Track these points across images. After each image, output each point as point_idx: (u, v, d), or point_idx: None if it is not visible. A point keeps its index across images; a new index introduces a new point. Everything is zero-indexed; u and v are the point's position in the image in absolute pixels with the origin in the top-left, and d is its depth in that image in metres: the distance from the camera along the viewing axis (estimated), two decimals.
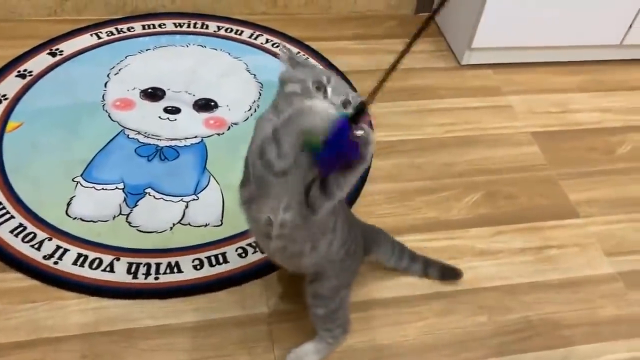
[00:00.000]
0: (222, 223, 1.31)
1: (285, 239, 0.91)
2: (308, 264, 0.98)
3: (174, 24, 1.85)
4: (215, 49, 1.78)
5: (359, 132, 0.76)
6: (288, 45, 0.89)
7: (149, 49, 1.74)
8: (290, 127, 0.76)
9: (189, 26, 1.85)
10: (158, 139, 1.48)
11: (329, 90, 0.82)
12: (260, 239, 0.98)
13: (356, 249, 1.06)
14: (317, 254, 0.96)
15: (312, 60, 0.87)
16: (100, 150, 1.43)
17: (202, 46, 1.78)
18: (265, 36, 1.85)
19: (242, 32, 1.86)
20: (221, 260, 1.24)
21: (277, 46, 1.81)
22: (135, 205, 1.32)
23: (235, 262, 1.24)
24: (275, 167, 0.80)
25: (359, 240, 1.08)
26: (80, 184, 1.35)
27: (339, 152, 0.76)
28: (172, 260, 1.23)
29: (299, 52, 0.90)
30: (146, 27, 1.82)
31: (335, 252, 0.99)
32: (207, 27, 1.86)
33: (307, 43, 1.84)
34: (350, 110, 0.81)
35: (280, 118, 0.80)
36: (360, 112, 0.77)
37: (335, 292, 1.03)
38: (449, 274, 1.26)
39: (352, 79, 1.71)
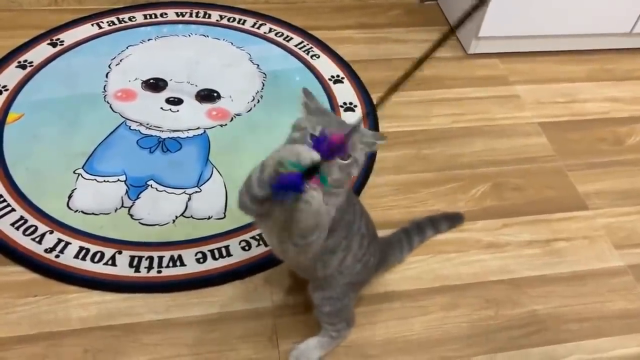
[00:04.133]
0: (225, 216, 1.30)
1: (293, 259, 0.97)
2: (321, 275, 1.00)
3: (176, 13, 1.83)
4: (218, 39, 1.75)
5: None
6: (308, 89, 0.91)
7: (151, 39, 1.72)
8: (271, 159, 0.82)
9: (191, 15, 1.82)
10: (160, 131, 1.46)
11: None
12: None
13: (374, 261, 1.07)
14: (330, 269, 0.99)
15: (326, 107, 0.93)
16: (102, 142, 1.42)
17: (204, 36, 1.76)
18: (269, 25, 1.83)
19: (245, 21, 1.83)
20: (224, 253, 1.23)
21: (281, 36, 1.79)
22: (137, 198, 1.31)
23: (238, 256, 1.22)
24: (256, 192, 0.84)
25: (377, 252, 1.08)
26: (82, 176, 1.34)
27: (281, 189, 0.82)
28: (175, 253, 1.22)
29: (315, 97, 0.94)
30: (148, 16, 1.80)
31: (350, 266, 1.01)
32: (209, 16, 1.83)
33: (310, 32, 1.82)
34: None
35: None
36: (312, 171, 0.79)
37: (345, 294, 1.04)
38: (456, 221, 1.30)
39: (356, 69, 1.68)
